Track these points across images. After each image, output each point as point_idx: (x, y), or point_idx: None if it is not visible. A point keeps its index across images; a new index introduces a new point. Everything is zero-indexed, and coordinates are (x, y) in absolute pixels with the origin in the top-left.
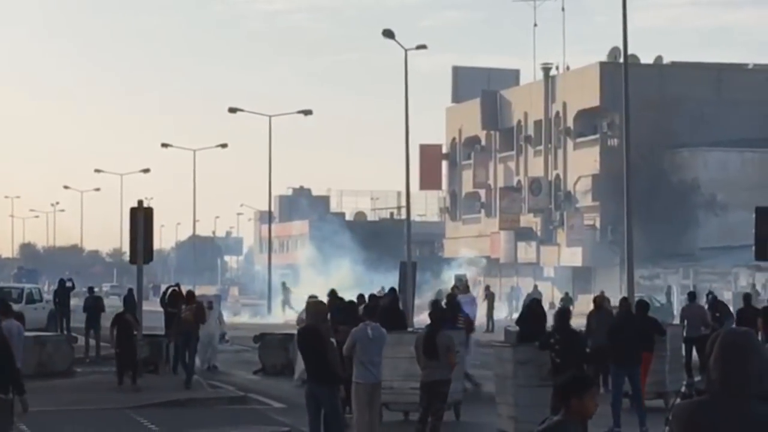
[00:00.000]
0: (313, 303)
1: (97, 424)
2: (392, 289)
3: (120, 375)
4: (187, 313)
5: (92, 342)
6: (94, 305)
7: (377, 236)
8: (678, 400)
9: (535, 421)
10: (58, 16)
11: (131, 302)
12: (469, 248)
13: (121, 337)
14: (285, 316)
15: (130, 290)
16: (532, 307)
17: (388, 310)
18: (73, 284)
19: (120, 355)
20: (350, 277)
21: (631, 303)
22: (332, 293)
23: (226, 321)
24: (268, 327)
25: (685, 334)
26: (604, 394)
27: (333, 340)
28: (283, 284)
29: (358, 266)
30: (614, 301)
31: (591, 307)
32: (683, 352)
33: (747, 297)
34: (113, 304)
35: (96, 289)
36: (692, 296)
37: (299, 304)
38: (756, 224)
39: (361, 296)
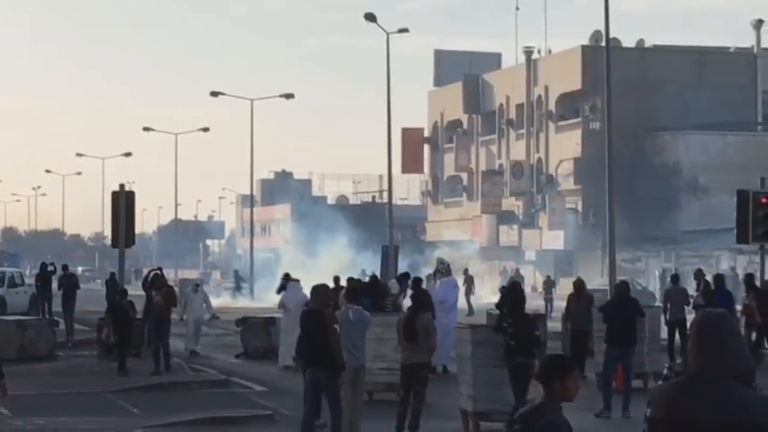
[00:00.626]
0: (318, 287)
1: (78, 407)
2: (373, 276)
3: (122, 363)
4: (158, 297)
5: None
6: (68, 283)
7: (364, 219)
8: (660, 383)
9: (492, 400)
10: (39, 0)
11: (113, 286)
12: (451, 231)
13: (118, 324)
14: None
15: (112, 274)
16: (517, 293)
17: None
18: (55, 268)
19: (118, 342)
20: (339, 260)
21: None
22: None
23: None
24: (250, 311)
25: (668, 316)
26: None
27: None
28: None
29: (347, 249)
30: (590, 285)
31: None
32: (663, 335)
33: (675, 278)
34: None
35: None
36: (675, 279)
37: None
38: (737, 207)
39: (336, 279)
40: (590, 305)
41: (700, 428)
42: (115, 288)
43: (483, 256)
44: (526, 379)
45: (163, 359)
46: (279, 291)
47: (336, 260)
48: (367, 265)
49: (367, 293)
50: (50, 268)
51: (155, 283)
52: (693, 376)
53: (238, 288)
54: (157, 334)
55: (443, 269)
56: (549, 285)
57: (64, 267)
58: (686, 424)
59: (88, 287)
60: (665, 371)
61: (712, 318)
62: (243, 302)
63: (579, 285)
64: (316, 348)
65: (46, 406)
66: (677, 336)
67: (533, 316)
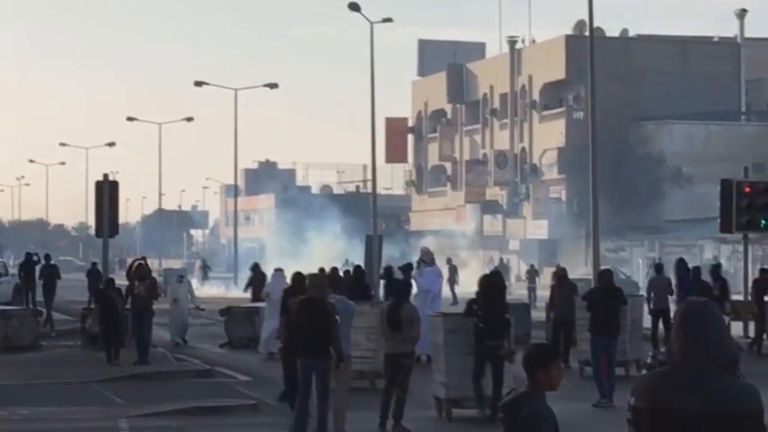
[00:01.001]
0: (315, 276)
1: (62, 397)
2: (357, 267)
3: (109, 352)
4: (141, 288)
5: (55, 315)
6: (49, 273)
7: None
8: (644, 372)
9: (464, 387)
10: None
11: (95, 276)
12: (435, 221)
13: (105, 313)
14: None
15: (94, 264)
16: (492, 278)
17: (352, 285)
18: (39, 258)
19: (105, 332)
20: (325, 250)
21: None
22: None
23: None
24: (234, 300)
25: (651, 306)
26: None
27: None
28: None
29: (333, 239)
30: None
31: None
32: (646, 324)
33: (696, 270)
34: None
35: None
36: (659, 268)
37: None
38: (721, 197)
39: (321, 270)
40: (573, 294)
41: (685, 418)
42: (97, 278)
43: (467, 245)
44: (497, 361)
45: (138, 351)
46: (248, 286)
47: (322, 250)
48: (354, 255)
49: (352, 284)
50: (35, 258)
51: (137, 273)
52: (677, 366)
53: (205, 277)
54: (139, 325)
55: (427, 259)
56: (532, 274)
57: (47, 257)
58: (671, 413)
59: (70, 277)
60: (649, 360)
61: (695, 307)
62: (215, 291)
63: (561, 274)
64: (314, 337)
65: (30, 396)
66: (661, 325)
67: (505, 300)
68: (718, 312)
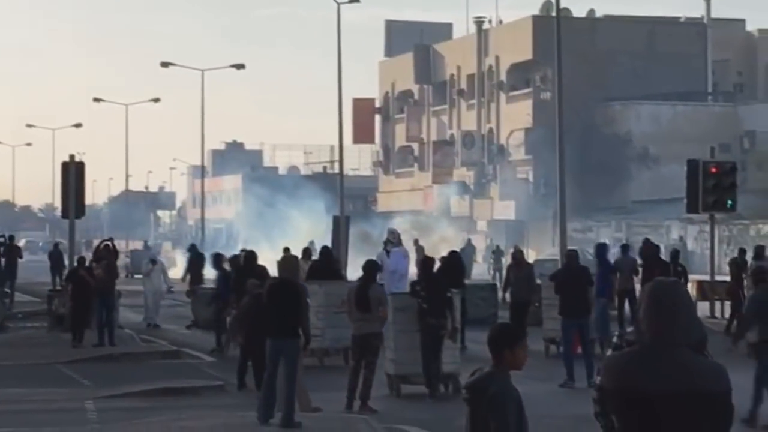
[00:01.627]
0: (287, 257)
1: (29, 379)
2: (325, 247)
3: (75, 333)
4: (98, 270)
5: (20, 297)
6: (10, 253)
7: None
8: (610, 351)
9: (411, 363)
10: None
11: (57, 258)
12: (402, 201)
13: (76, 293)
14: None
15: (56, 245)
16: (450, 259)
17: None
18: (5, 239)
19: (74, 312)
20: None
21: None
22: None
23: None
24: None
25: (617, 285)
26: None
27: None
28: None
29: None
30: (542, 254)
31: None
32: (612, 304)
33: (625, 247)
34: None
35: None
36: (625, 248)
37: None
38: (687, 177)
39: (286, 250)
40: (530, 275)
41: (654, 398)
42: (59, 259)
43: (435, 226)
44: (437, 340)
45: (107, 333)
46: (187, 271)
47: (290, 230)
48: (321, 237)
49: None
50: (1, 240)
51: (96, 254)
52: (646, 346)
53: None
54: (100, 307)
55: (394, 239)
56: (498, 255)
57: (11, 238)
58: (640, 393)
59: (36, 258)
60: (616, 340)
61: (664, 286)
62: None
63: (518, 255)
64: (284, 318)
65: None
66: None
67: (463, 279)
68: (686, 292)
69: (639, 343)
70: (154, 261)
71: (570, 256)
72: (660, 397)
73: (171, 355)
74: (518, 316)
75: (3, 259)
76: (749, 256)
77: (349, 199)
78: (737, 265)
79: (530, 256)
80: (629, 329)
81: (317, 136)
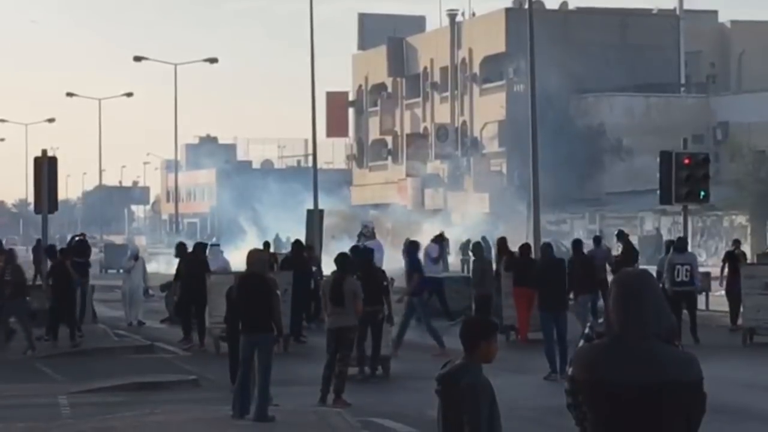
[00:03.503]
0: (255, 251)
1: (1, 374)
2: (297, 241)
3: (53, 331)
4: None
5: None
6: None
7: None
8: (582, 342)
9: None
10: None
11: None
12: (376, 195)
13: (58, 288)
14: None
15: (39, 241)
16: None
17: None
18: None
19: (56, 308)
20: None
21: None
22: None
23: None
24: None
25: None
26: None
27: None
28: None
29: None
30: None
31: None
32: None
33: (597, 239)
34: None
35: None
36: (597, 240)
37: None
38: (660, 168)
39: (266, 244)
40: (490, 269)
41: (625, 389)
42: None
43: (408, 219)
44: (375, 325)
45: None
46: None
47: (263, 224)
48: (292, 231)
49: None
50: None
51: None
52: (616, 337)
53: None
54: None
55: (368, 233)
56: (466, 248)
57: None
58: (611, 385)
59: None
60: (587, 331)
61: (631, 277)
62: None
63: (477, 249)
64: (255, 312)
65: None
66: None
67: (380, 270)
68: (655, 282)
69: (608, 335)
70: (136, 257)
71: (544, 250)
72: (630, 388)
73: (145, 350)
74: (482, 310)
75: None
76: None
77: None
78: (733, 257)
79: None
80: (600, 320)
81: (291, 130)
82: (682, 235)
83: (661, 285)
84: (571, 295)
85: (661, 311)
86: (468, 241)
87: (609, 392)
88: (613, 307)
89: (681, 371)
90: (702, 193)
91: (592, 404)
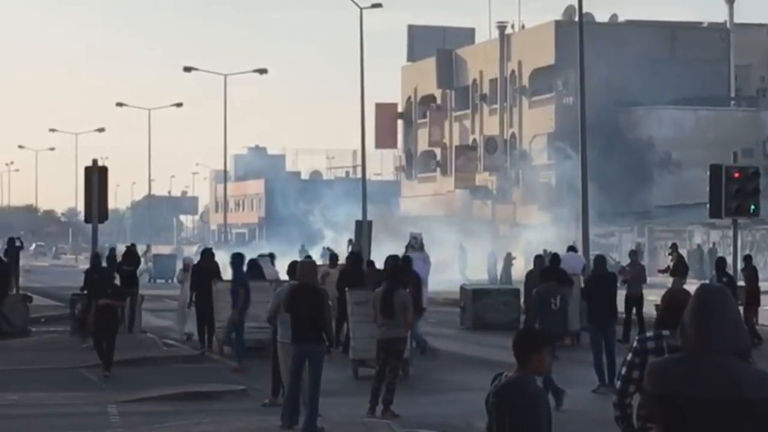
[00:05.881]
0: (306, 263)
1: (52, 383)
2: (352, 253)
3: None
4: None
5: (43, 301)
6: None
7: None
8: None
9: (365, 349)
10: None
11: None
12: (425, 206)
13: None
14: None
15: (112, 249)
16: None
17: (348, 271)
18: (22, 243)
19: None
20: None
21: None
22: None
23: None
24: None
25: (626, 290)
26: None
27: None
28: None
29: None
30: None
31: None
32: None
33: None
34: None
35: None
36: (633, 254)
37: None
38: (710, 182)
39: (308, 257)
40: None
41: (702, 405)
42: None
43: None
44: None
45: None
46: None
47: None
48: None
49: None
50: (17, 244)
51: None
52: (692, 352)
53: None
54: None
55: (416, 244)
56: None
57: (18, 239)
58: (684, 399)
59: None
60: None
61: (712, 292)
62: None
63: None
64: (307, 323)
65: (19, 382)
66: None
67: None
68: (733, 298)
69: (684, 349)
70: (187, 268)
71: (597, 262)
72: (704, 404)
73: (193, 360)
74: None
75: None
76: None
77: (371, 204)
78: None
79: None
80: (649, 333)
81: (340, 141)
82: (732, 249)
83: None
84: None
85: (738, 328)
86: (508, 254)
87: (682, 407)
88: (692, 321)
89: (756, 388)
90: (752, 207)
91: (663, 418)
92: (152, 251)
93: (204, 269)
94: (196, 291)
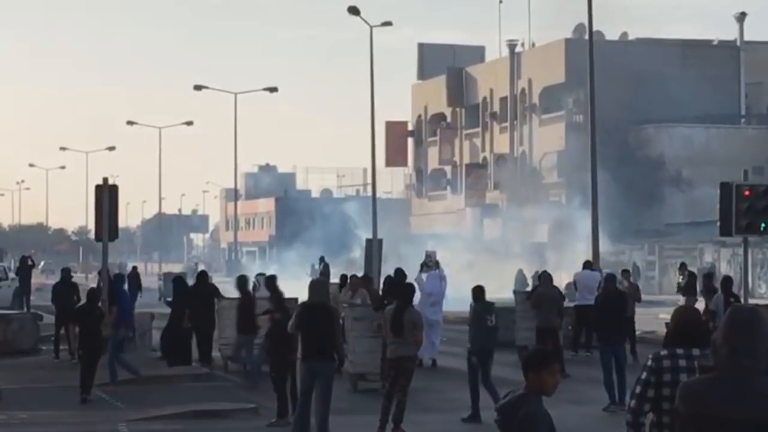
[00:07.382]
0: (317, 281)
1: (62, 401)
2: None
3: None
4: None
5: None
6: (25, 269)
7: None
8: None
9: (364, 363)
10: None
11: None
12: (436, 224)
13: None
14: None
15: (134, 268)
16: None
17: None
18: (33, 262)
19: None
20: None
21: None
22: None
23: None
24: None
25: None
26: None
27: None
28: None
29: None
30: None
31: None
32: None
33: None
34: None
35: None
36: (625, 273)
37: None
38: (720, 199)
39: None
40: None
41: (735, 424)
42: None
43: (467, 249)
44: None
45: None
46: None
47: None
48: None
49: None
50: (29, 263)
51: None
52: (724, 371)
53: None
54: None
55: (430, 262)
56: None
57: (30, 258)
58: (718, 420)
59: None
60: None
61: (744, 313)
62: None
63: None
64: (318, 340)
65: (29, 400)
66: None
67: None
68: (765, 318)
69: (717, 369)
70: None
71: (608, 280)
72: (737, 423)
73: (203, 378)
74: (544, 342)
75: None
76: None
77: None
78: None
79: (563, 279)
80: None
81: (350, 159)
82: (741, 267)
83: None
84: None
85: None
86: (520, 270)
87: (716, 426)
88: (724, 341)
89: None
90: (763, 225)
91: None
92: (162, 269)
93: (201, 291)
94: (193, 311)
